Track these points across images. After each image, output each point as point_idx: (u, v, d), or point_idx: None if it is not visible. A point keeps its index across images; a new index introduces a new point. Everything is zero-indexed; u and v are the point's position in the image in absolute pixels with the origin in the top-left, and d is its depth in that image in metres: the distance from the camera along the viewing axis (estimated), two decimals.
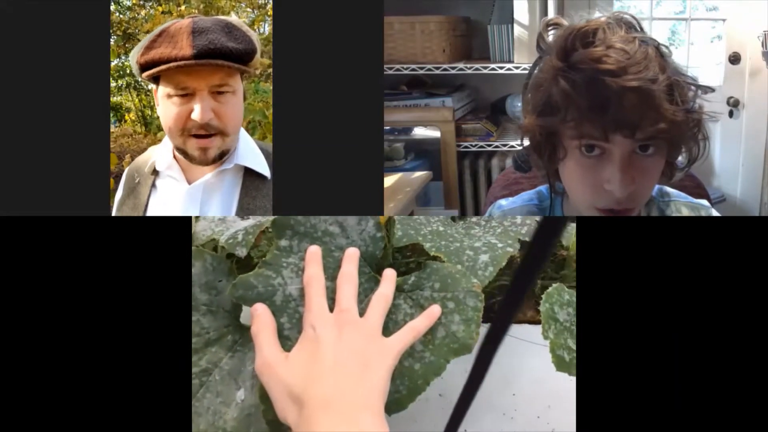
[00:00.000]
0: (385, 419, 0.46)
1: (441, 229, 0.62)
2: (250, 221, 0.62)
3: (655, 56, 0.61)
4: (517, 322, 0.64)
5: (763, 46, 1.75)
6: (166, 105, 0.74)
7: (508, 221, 0.64)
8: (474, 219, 0.67)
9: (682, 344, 0.52)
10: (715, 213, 0.75)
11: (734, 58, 1.82)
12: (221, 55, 0.70)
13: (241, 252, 0.58)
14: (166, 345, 0.54)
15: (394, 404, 0.50)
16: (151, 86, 0.77)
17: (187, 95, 0.73)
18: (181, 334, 0.54)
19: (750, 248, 0.53)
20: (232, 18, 0.76)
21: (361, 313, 0.52)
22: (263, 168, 0.79)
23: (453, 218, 0.67)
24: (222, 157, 0.76)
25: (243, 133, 0.80)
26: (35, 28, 0.75)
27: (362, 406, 0.46)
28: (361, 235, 0.58)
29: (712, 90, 0.66)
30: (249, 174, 0.78)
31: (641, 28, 0.65)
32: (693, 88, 0.64)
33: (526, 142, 0.69)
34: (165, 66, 0.70)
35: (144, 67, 0.72)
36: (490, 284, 0.56)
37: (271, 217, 0.59)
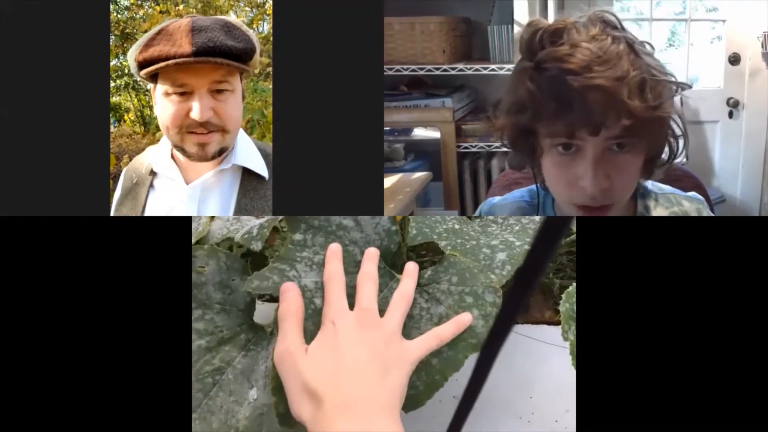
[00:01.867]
0: (401, 421, 0.46)
1: (457, 227, 0.61)
2: (264, 219, 0.62)
3: (626, 53, 0.61)
4: (535, 322, 0.63)
5: (763, 46, 1.75)
6: (163, 103, 0.74)
7: (526, 219, 0.63)
8: (491, 217, 0.66)
9: (683, 345, 0.52)
10: (706, 207, 0.75)
11: (734, 59, 1.82)
12: (220, 53, 0.70)
13: (257, 246, 0.58)
14: (166, 346, 0.54)
15: (410, 401, 0.49)
16: (150, 86, 0.77)
17: (185, 93, 0.72)
18: (181, 334, 0.54)
19: (750, 248, 0.53)
20: (231, 18, 0.76)
21: (381, 310, 0.51)
22: (261, 168, 0.79)
23: (469, 216, 0.66)
24: (221, 153, 0.76)
25: (242, 134, 0.79)
26: (35, 28, 0.75)
27: (380, 410, 0.45)
28: (376, 229, 0.57)
29: (689, 86, 0.66)
30: (247, 174, 0.78)
31: (621, 26, 0.64)
32: (670, 85, 0.64)
33: (506, 141, 0.69)
34: (164, 63, 0.70)
35: (142, 64, 0.72)
36: (507, 283, 0.54)
37: None
